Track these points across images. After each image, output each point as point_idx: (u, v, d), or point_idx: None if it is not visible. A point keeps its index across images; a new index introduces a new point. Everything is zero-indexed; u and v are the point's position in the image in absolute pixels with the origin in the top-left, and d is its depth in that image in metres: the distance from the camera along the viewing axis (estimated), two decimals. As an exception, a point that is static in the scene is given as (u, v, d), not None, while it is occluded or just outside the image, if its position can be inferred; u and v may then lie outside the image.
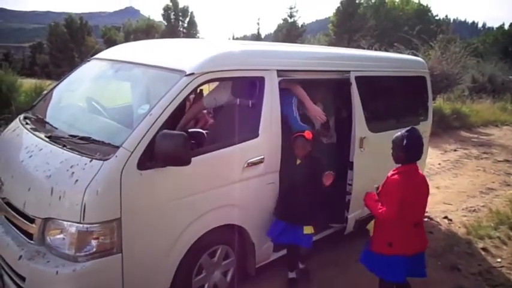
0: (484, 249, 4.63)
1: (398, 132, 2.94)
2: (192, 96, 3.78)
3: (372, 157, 4.10)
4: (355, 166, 4.02)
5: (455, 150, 9.73)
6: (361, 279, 3.50)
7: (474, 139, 11.72)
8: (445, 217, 5.41)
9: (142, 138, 2.49)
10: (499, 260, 4.41)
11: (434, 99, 12.83)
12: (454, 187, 6.98)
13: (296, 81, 3.63)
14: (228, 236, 3.14)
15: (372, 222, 3.06)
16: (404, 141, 2.83)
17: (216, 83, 3.56)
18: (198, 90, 3.79)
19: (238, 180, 3.08)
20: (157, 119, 2.56)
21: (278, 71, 3.30)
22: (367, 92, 4.11)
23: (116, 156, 2.43)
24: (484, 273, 4.09)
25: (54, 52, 39.59)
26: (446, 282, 3.69)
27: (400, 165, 2.92)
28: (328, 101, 4.20)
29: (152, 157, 2.49)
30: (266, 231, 3.39)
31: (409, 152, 2.86)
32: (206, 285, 3.12)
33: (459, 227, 5.21)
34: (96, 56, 3.85)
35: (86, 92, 3.59)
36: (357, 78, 4.00)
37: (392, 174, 2.90)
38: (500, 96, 19.64)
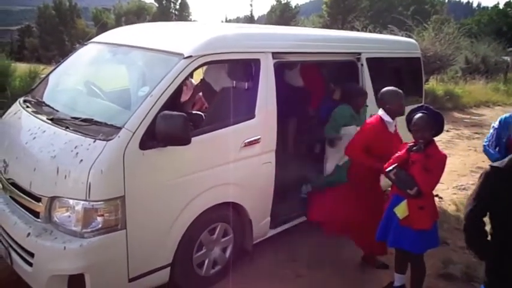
0: (472, 224, 4.79)
1: (419, 114, 2.93)
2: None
3: None
4: None
5: (447, 131, 9.86)
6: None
7: (466, 120, 11.88)
8: (436, 195, 5.53)
9: (143, 119, 2.58)
10: (485, 234, 4.57)
11: (427, 80, 12.96)
12: (445, 167, 7.10)
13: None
14: (227, 214, 3.24)
15: (403, 206, 3.00)
16: (433, 120, 2.93)
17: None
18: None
19: (235, 159, 3.17)
20: (157, 100, 2.65)
21: (273, 53, 3.38)
22: (374, 72, 4.35)
23: (119, 136, 2.52)
24: (471, 247, 4.26)
25: (44, 35, 38.87)
26: (436, 255, 3.84)
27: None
28: (336, 81, 4.48)
29: (153, 137, 2.58)
30: (263, 208, 3.50)
31: (440, 126, 2.99)
32: (206, 261, 3.24)
33: (449, 205, 5.39)
34: (93, 40, 3.88)
35: (85, 75, 3.64)
36: (368, 59, 4.26)
37: (437, 151, 3.00)
38: (493, 77, 19.75)
